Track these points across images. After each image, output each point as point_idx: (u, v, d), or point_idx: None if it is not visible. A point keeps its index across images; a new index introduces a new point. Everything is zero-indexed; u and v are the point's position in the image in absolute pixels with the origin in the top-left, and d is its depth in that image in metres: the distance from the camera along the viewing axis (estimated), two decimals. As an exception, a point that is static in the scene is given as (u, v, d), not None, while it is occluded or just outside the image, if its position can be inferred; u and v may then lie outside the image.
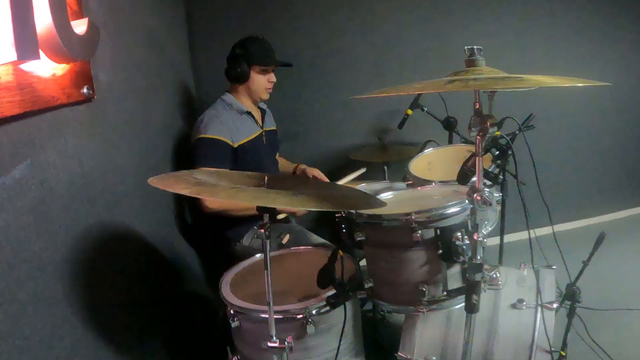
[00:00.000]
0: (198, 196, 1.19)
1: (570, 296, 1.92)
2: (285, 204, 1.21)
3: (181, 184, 1.19)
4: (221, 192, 1.15)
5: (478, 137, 1.28)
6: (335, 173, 2.69)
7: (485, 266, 1.39)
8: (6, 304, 1.09)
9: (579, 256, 1.92)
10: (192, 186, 1.18)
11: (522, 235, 2.05)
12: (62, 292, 1.33)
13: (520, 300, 1.74)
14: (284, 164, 2.87)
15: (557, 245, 1.95)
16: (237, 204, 2.22)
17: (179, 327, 2.17)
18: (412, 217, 1.52)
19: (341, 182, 2.54)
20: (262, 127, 2.60)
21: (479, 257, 1.35)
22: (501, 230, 2.23)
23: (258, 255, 2.00)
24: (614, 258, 3.09)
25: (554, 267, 1.93)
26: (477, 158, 1.31)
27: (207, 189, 1.16)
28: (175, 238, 2.36)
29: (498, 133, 1.60)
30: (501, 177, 1.76)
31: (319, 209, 1.25)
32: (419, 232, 1.52)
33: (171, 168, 2.39)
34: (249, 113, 2.52)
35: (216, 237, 2.47)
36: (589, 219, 3.98)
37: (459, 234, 1.49)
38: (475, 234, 1.33)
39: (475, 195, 1.29)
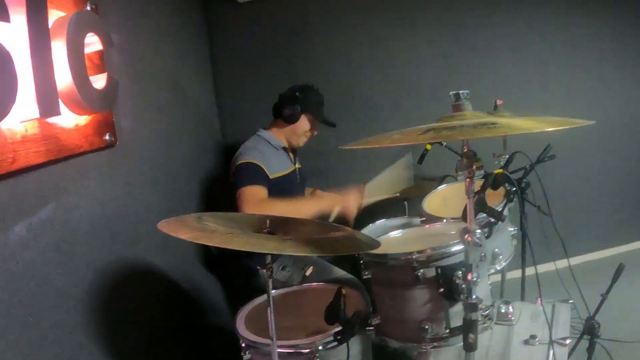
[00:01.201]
0: (196, 241, 1.31)
1: (589, 330, 1.92)
2: (272, 249, 1.32)
3: (185, 228, 1.32)
4: (217, 237, 1.27)
5: (467, 179, 1.35)
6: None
7: (481, 305, 1.44)
8: (30, 330, 1.24)
9: (602, 289, 1.94)
10: (193, 231, 1.31)
11: (547, 267, 2.07)
12: (82, 322, 1.49)
13: (533, 337, 1.75)
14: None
15: (574, 278, 1.97)
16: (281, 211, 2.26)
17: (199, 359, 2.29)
18: (414, 256, 1.58)
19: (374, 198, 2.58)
20: (294, 164, 2.73)
21: (474, 297, 1.40)
22: (522, 264, 2.25)
23: (274, 291, 2.10)
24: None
25: (571, 301, 1.93)
26: (467, 200, 1.38)
27: (205, 234, 1.29)
28: (198, 273, 2.51)
29: (500, 171, 1.66)
30: (506, 214, 1.80)
31: (304, 254, 1.34)
32: (421, 271, 1.58)
33: (196, 207, 2.55)
34: (285, 149, 2.65)
35: (241, 270, 2.56)
36: (610, 249, 3.92)
37: (459, 272, 1.54)
38: (469, 274, 1.39)
39: (466, 236, 1.36)
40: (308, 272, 2.44)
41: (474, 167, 1.32)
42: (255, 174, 2.38)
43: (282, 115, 2.59)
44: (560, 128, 1.15)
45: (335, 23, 3.49)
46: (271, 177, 2.47)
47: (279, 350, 1.56)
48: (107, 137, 1.66)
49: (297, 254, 1.30)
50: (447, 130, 1.17)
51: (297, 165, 2.77)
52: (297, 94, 2.58)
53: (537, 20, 3.61)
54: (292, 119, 2.59)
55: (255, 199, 2.28)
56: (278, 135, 2.65)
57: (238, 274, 2.60)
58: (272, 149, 2.59)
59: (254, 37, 3.40)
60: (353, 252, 1.55)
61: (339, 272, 2.48)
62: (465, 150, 1.35)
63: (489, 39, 3.56)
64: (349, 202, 2.41)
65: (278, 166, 2.55)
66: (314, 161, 3.27)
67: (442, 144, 2.75)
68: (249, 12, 3.37)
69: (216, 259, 2.74)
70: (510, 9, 3.57)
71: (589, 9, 3.65)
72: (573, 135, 3.55)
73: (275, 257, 2.41)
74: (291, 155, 2.73)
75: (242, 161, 2.41)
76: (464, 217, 1.54)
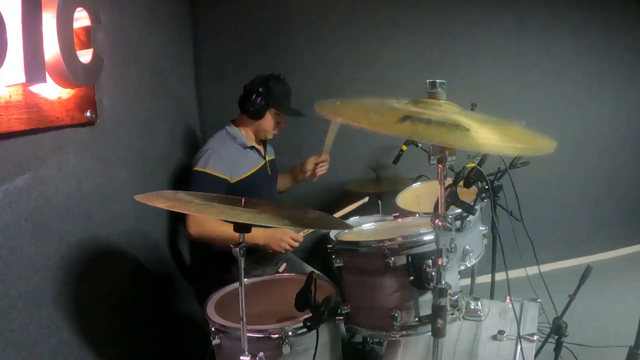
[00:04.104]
0: (172, 209, 1.36)
1: (556, 330, 2.03)
2: (248, 219, 1.39)
3: (160, 199, 1.39)
4: (192, 206, 1.34)
5: (439, 165, 1.44)
6: (331, 204, 2.87)
7: (450, 291, 1.53)
8: (-1, 298, 1.29)
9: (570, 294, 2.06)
10: (169, 201, 1.38)
11: (518, 272, 2.19)
12: (51, 295, 1.53)
13: (501, 332, 1.85)
14: (282, 181, 3.02)
15: (543, 281, 2.08)
16: (221, 232, 2.31)
17: (167, 345, 2.34)
18: (385, 244, 1.67)
19: (341, 213, 2.66)
20: (264, 158, 2.75)
21: (443, 282, 1.48)
22: (492, 266, 2.36)
23: (246, 279, 2.17)
24: (608, 295, 3.36)
25: (539, 300, 2.04)
26: (439, 186, 1.47)
27: (180, 203, 1.36)
28: (168, 261, 2.57)
29: (472, 165, 1.76)
30: (476, 208, 1.91)
31: (279, 226, 1.41)
32: (392, 258, 1.67)
33: (171, 193, 2.61)
34: (253, 147, 2.66)
35: (213, 263, 2.62)
36: (584, 257, 4.17)
37: (430, 261, 1.63)
38: (440, 259, 1.48)
39: (437, 220, 1.45)
40: (281, 269, 2.51)
41: (446, 152, 1.42)
42: (209, 188, 2.35)
43: (247, 112, 2.59)
44: (520, 147, 1.28)
45: (318, 22, 3.65)
46: (235, 180, 2.51)
47: (249, 334, 1.62)
48: (88, 114, 1.72)
49: (272, 225, 1.37)
50: (423, 125, 1.26)
51: (269, 158, 2.80)
52: (261, 89, 2.56)
53: (517, 29, 3.84)
54: (257, 116, 2.59)
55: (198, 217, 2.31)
56: (245, 132, 2.66)
57: (212, 267, 2.65)
58: (238, 148, 2.60)
59: (237, 31, 3.52)
60: (325, 229, 1.63)
61: (310, 269, 2.55)
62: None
63: (469, 45, 3.77)
64: (275, 242, 2.40)
65: (243, 167, 2.58)
66: (289, 156, 3.35)
67: (417, 145, 2.86)
68: (234, 7, 3.50)
69: (190, 255, 2.80)
70: (490, 18, 3.79)
71: (568, 21, 3.90)
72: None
73: (249, 252, 2.47)
74: (261, 148, 2.75)
75: (199, 169, 2.42)
76: (435, 208, 1.64)
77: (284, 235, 2.39)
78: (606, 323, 3.02)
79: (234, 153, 2.57)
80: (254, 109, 2.57)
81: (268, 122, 2.63)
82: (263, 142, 2.81)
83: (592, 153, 4.12)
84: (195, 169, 2.44)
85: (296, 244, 2.41)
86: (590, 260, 4.12)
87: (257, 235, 2.38)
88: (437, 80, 1.43)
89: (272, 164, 2.86)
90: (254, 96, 2.56)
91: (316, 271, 1.79)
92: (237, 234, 2.30)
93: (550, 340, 2.11)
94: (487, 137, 1.31)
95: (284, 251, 2.42)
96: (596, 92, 4.07)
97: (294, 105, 2.72)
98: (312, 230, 2.51)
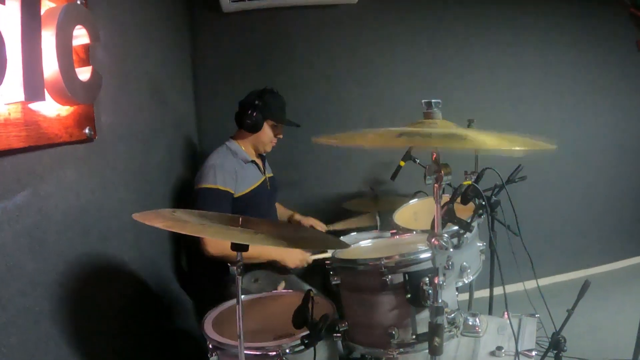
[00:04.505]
0: (169, 229, 1.38)
1: (555, 345, 2.03)
2: (244, 240, 1.40)
3: (158, 218, 1.40)
4: (189, 227, 1.35)
5: (435, 185, 1.46)
6: (329, 221, 2.90)
7: (447, 309, 1.53)
8: (-3, 313, 1.29)
9: (568, 308, 2.07)
10: (166, 220, 1.39)
11: (516, 287, 2.19)
12: (50, 311, 1.54)
13: (499, 348, 1.86)
14: (281, 211, 3.08)
15: (541, 294, 2.09)
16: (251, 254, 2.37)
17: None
18: (382, 262, 1.68)
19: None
20: (264, 174, 2.80)
21: (440, 301, 1.49)
22: (490, 282, 2.36)
23: (244, 296, 2.17)
24: (607, 308, 3.37)
25: (537, 315, 2.04)
26: (435, 205, 1.48)
27: (178, 223, 1.37)
28: (167, 276, 2.57)
29: (468, 182, 1.78)
30: (474, 225, 1.91)
31: (274, 245, 1.41)
32: (389, 276, 1.68)
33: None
34: (253, 162, 2.71)
35: (211, 279, 2.62)
36: (582, 270, 4.19)
37: (427, 279, 1.64)
38: (436, 278, 1.49)
39: (433, 239, 1.46)
40: (280, 287, 2.51)
41: (442, 172, 1.43)
42: (218, 203, 2.42)
43: (244, 125, 2.64)
44: (523, 149, 1.28)
45: (315, 38, 3.70)
46: (239, 194, 2.56)
47: (246, 352, 1.63)
48: (86, 131, 1.73)
49: (267, 245, 1.38)
50: (420, 137, 1.28)
51: (268, 174, 2.85)
52: (257, 102, 2.62)
53: (512, 44, 3.88)
54: (254, 129, 2.65)
55: None
56: (245, 146, 2.71)
57: (210, 284, 2.65)
58: (240, 163, 2.64)
59: (236, 47, 3.57)
60: (321, 249, 1.64)
61: (309, 288, 2.56)
62: (434, 157, 1.46)
63: (465, 59, 3.79)
64: (290, 258, 2.49)
65: (246, 181, 2.62)
66: (287, 172, 3.40)
67: (415, 161, 2.88)
68: (233, 22, 3.55)
69: (187, 270, 2.80)
70: (485, 33, 3.83)
71: (564, 34, 3.93)
72: (544, 159, 3.78)
73: (248, 268, 2.48)
74: (260, 164, 2.80)
75: (206, 185, 2.46)
76: (432, 226, 1.65)
77: (300, 255, 2.48)
78: (605, 336, 3.02)
79: (236, 168, 2.61)
80: (251, 122, 2.61)
81: (266, 134, 2.68)
82: (262, 158, 2.85)
83: (590, 166, 4.15)
84: (203, 186, 2.47)
85: (305, 264, 2.50)
86: (589, 273, 4.14)
87: (273, 250, 2.45)
88: (433, 100, 1.45)
89: (272, 181, 2.90)
90: (250, 110, 2.61)
91: (314, 289, 1.79)
92: (259, 252, 2.36)
93: (549, 355, 2.10)
94: (486, 139, 1.32)
95: (293, 267, 2.50)
96: (594, 105, 4.10)
97: (290, 118, 2.77)
98: (324, 255, 2.55)
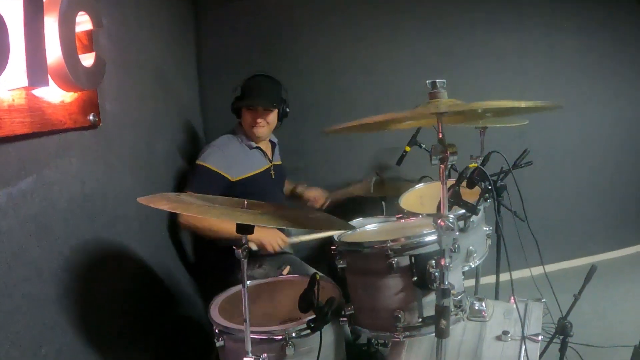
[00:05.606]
0: (173, 211, 1.38)
1: (561, 330, 2.03)
2: (248, 220, 1.40)
3: (163, 201, 1.41)
4: (194, 208, 1.36)
5: (441, 165, 1.45)
6: (336, 208, 2.90)
7: (453, 291, 1.53)
8: (2, 298, 1.30)
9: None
10: (171, 203, 1.39)
11: (522, 272, 2.19)
12: (55, 297, 1.54)
13: (505, 332, 1.86)
14: (287, 186, 3.12)
15: (548, 279, 2.09)
16: (212, 224, 2.41)
17: (172, 346, 2.35)
18: (388, 244, 1.67)
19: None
20: (271, 161, 2.83)
21: (446, 283, 1.49)
22: (497, 267, 2.36)
23: (250, 281, 2.18)
24: (613, 295, 3.38)
25: (543, 300, 2.04)
26: (441, 186, 1.48)
27: (182, 205, 1.37)
28: (172, 263, 2.58)
29: (474, 165, 1.77)
30: (480, 208, 1.91)
31: (279, 226, 1.41)
32: (395, 259, 1.67)
33: (172, 197, 2.62)
34: (259, 148, 2.75)
35: (216, 265, 2.63)
36: (588, 257, 4.18)
37: (433, 261, 1.63)
38: (442, 260, 1.48)
39: (439, 220, 1.45)
40: (285, 271, 2.51)
41: (448, 152, 1.42)
42: (207, 183, 2.48)
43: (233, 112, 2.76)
44: (532, 105, 1.32)
45: (319, 25, 3.67)
46: (236, 179, 2.60)
47: (252, 336, 1.64)
48: (91, 117, 1.73)
49: (272, 226, 1.38)
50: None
51: (275, 162, 2.87)
52: (236, 91, 2.72)
53: (518, 30, 3.85)
54: (238, 116, 2.75)
55: None
56: (248, 133, 2.74)
57: (215, 270, 2.66)
58: (244, 148, 2.70)
59: (239, 35, 3.55)
60: (326, 230, 1.63)
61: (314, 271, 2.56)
62: (440, 136, 1.46)
63: (470, 47, 3.77)
64: (267, 239, 2.46)
65: (246, 166, 2.66)
66: (294, 159, 3.40)
67: (420, 146, 2.87)
68: (237, 10, 3.53)
69: (192, 257, 2.81)
70: (491, 19, 3.80)
71: (570, 21, 3.90)
72: (551, 144, 3.78)
73: (252, 255, 2.49)
74: (268, 151, 2.83)
75: (202, 163, 2.54)
76: (438, 208, 1.65)
77: (276, 236, 2.46)
78: (611, 322, 3.02)
79: (238, 152, 2.66)
80: (233, 111, 2.74)
81: (246, 120, 2.70)
82: (272, 146, 2.89)
83: (596, 152, 4.13)
84: (198, 162, 2.56)
85: (283, 245, 2.50)
86: (595, 259, 4.12)
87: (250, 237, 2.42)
88: (437, 80, 1.44)
89: (278, 169, 2.91)
90: (233, 100, 2.71)
91: (320, 273, 1.79)
92: (225, 226, 2.37)
93: (555, 340, 2.10)
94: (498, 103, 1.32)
95: (274, 252, 2.48)
96: (600, 92, 4.07)
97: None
98: (303, 239, 2.58)
